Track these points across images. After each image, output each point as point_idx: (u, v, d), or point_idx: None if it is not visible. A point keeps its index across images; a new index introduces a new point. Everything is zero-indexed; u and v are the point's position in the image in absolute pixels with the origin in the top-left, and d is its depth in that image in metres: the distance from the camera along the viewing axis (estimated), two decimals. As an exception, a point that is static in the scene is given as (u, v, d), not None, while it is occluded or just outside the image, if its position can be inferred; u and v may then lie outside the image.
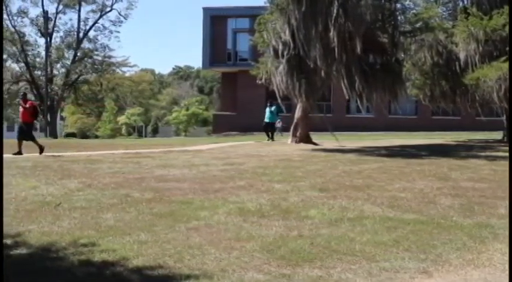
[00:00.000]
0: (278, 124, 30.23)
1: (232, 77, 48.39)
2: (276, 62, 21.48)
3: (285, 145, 22.67)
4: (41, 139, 40.37)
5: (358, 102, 21.59)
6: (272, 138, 27.16)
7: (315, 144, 22.66)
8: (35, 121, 19.19)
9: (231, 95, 49.05)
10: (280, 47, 20.98)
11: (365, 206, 8.67)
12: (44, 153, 17.22)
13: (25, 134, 17.78)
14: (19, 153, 17.14)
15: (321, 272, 5.42)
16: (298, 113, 23.34)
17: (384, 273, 5.43)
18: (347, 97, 21.55)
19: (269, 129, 27.85)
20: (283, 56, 20.83)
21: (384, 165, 14.20)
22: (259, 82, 23.88)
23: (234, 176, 11.93)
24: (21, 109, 18.39)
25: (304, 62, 20.25)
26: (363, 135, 33.64)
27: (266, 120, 28.13)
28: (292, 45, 20.29)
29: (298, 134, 23.35)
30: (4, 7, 54.23)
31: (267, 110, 28.26)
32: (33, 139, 17.81)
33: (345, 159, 15.81)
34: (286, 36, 20.54)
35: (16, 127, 62.63)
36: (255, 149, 20.18)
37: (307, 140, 23.15)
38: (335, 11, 19.15)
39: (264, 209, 8.37)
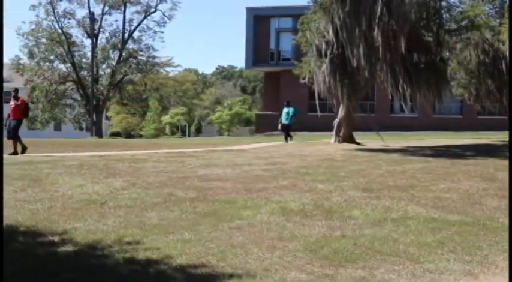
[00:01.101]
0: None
1: (275, 76, 48.38)
2: (319, 61, 21.40)
3: (328, 145, 22.58)
4: (87, 138, 41.05)
5: (402, 102, 21.32)
6: (286, 140, 25.93)
7: (358, 144, 22.52)
8: (25, 119, 18.34)
9: (274, 94, 49.02)
10: (323, 47, 20.90)
11: (409, 206, 8.58)
12: (25, 154, 16.72)
13: (12, 130, 17.11)
14: (15, 153, 16.78)
15: (364, 273, 5.39)
16: (341, 113, 23.22)
17: (428, 275, 5.37)
18: (390, 97, 21.34)
19: (285, 131, 26.50)
20: (326, 55, 20.75)
21: (428, 165, 14.03)
22: (302, 82, 23.83)
23: (277, 176, 11.93)
24: (12, 106, 17.50)
25: (347, 62, 20.12)
26: (407, 135, 33.30)
27: (283, 122, 26.64)
28: (335, 44, 20.21)
29: (341, 133, 23.23)
30: (52, 9, 55.26)
31: (284, 111, 26.93)
32: (18, 137, 17.27)
33: (389, 159, 15.67)
34: (329, 35, 20.45)
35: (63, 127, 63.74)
36: (297, 149, 20.15)
37: (350, 139, 23.02)
38: (379, 9, 18.99)
39: (306, 209, 8.35)
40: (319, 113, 22.58)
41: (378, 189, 10.19)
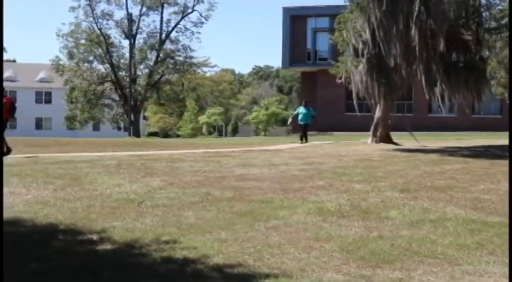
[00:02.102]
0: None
1: (312, 76, 48.30)
2: (356, 61, 21.29)
3: (365, 145, 22.45)
4: (125, 138, 41.49)
5: (439, 101, 21.07)
6: (301, 140, 25.12)
7: (395, 144, 22.34)
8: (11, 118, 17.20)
9: (311, 94, 48.85)
10: (360, 46, 20.78)
11: (447, 207, 8.48)
12: (9, 155, 15.93)
13: None
14: (8, 151, 15.95)
15: (401, 274, 5.34)
16: (378, 113, 23.06)
17: (467, 277, 5.30)
18: (428, 97, 21.11)
19: (303, 132, 25.62)
20: (363, 55, 20.63)
21: (467, 166, 13.85)
22: (339, 81, 23.74)
23: (314, 176, 11.91)
24: None
25: (384, 61, 19.97)
26: (446, 135, 32.90)
27: (300, 122, 25.65)
28: (372, 44, 20.07)
29: (378, 133, 23.07)
30: (91, 10, 55.98)
31: (301, 110, 25.87)
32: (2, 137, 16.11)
33: (427, 160, 15.51)
34: (366, 35, 20.33)
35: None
36: (334, 149, 20.08)
37: (387, 140, 22.85)
38: (416, 8, 18.80)
39: (343, 209, 8.32)
40: (358, 113, 22.47)
41: (416, 189, 10.09)
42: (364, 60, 20.54)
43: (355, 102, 21.92)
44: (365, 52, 20.41)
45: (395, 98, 23.09)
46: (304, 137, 25.29)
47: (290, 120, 27.75)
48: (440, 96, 20.57)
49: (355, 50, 21.03)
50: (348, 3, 22.01)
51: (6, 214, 7.85)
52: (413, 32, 18.90)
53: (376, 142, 22.74)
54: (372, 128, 23.52)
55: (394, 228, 7.16)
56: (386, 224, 7.40)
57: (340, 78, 23.22)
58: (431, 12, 18.87)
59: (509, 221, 7.19)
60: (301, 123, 25.59)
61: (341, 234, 6.80)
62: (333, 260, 5.76)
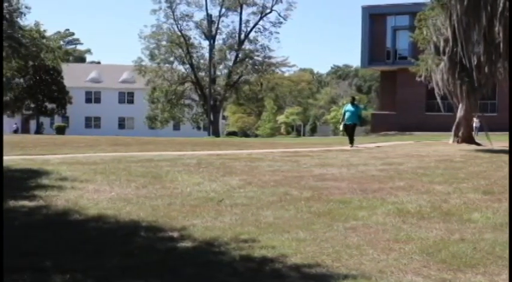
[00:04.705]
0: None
1: (392, 75, 47.67)
2: (437, 59, 20.90)
3: (447, 145, 21.96)
4: (204, 138, 42.11)
5: (525, 101, 20.37)
6: (351, 143, 21.84)
7: (477, 144, 21.75)
8: None
9: (390, 94, 48.33)
10: (442, 44, 20.40)
11: (533, 210, 8.20)
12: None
13: None
14: None
15: (484, 279, 5.21)
16: (460, 113, 22.52)
17: (554, 283, 5.12)
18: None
19: (349, 132, 22.44)
20: (444, 52, 20.24)
21: (554, 168, 13.33)
22: (419, 80, 23.35)
23: (393, 176, 11.75)
24: None
25: (466, 59, 19.50)
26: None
27: (346, 122, 22.47)
28: (453, 41, 19.65)
29: (460, 133, 22.53)
30: (171, 12, 57.03)
31: (348, 108, 22.65)
32: None
33: None
34: (448, 32, 19.93)
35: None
36: (414, 149, 19.74)
37: (469, 140, 22.28)
38: (501, 4, 18.26)
39: (423, 211, 8.18)
40: (439, 112, 22.01)
41: (500, 191, 9.80)
42: (445, 58, 20.14)
43: (439, 100, 21.51)
44: (446, 50, 20.01)
45: (478, 97, 22.48)
46: (351, 139, 22.00)
47: (341, 124, 23.59)
48: (526, 95, 19.90)
49: (436, 47, 20.65)
50: (428, 1, 21.62)
51: (92, 210, 8.13)
52: (497, 28, 18.37)
53: (457, 142, 22.21)
54: (453, 127, 22.99)
55: (477, 231, 6.98)
56: (468, 226, 7.23)
57: (421, 76, 22.84)
58: (517, 8, 18.29)
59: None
60: (348, 123, 22.43)
61: (421, 236, 6.69)
62: (412, 262, 5.68)
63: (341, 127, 23.96)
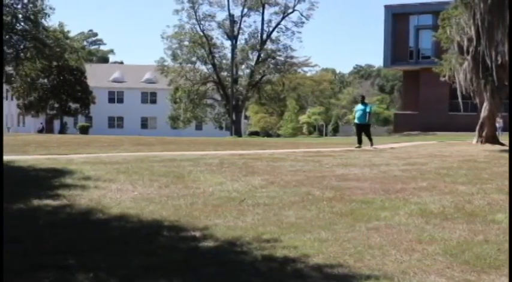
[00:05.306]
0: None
1: (414, 75, 47.40)
2: (460, 58, 20.74)
3: (470, 145, 21.79)
4: (226, 137, 42.19)
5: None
6: (359, 144, 21.18)
7: (501, 144, 21.54)
8: None
9: (413, 93, 48.06)
10: (465, 43, 20.24)
11: (559, 211, 8.10)
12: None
13: None
14: None
15: (508, 281, 5.16)
16: (484, 112, 22.33)
17: None
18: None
19: (358, 132, 21.98)
20: (468, 52, 20.08)
21: None
22: (442, 79, 23.18)
23: (416, 177, 11.68)
24: None
25: (490, 58, 19.32)
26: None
27: (356, 121, 22.32)
28: (477, 40, 19.48)
29: (483, 133, 22.34)
30: (193, 12, 57.20)
31: (358, 107, 22.30)
32: None
33: (537, 161, 14.86)
34: (471, 31, 19.76)
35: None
36: (437, 149, 19.61)
37: (493, 140, 22.08)
38: (526, 3, 18.07)
39: (447, 211, 8.12)
40: (462, 112, 21.84)
41: (524, 192, 9.70)
42: (469, 57, 19.98)
43: (460, 101, 21.34)
44: (470, 49, 19.85)
45: (503, 96, 22.26)
46: (359, 140, 21.48)
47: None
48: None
49: (460, 47, 20.49)
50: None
51: (115, 210, 8.18)
52: (521, 27, 18.16)
53: (481, 142, 22.02)
54: (477, 127, 22.79)
55: (501, 232, 6.91)
56: (492, 227, 7.16)
57: (444, 76, 22.68)
58: (542, 6, 18.08)
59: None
60: (357, 122, 22.13)
61: (444, 237, 6.64)
62: (435, 263, 5.64)
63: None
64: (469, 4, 19.63)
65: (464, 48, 20.32)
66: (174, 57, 59.06)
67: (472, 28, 19.61)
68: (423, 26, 46.36)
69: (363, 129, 21.85)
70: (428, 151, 18.74)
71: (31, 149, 19.08)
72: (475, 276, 5.27)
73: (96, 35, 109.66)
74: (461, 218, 7.72)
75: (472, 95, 21.84)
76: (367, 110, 22.09)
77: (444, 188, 10.19)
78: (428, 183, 10.75)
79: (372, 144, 21.17)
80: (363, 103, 22.26)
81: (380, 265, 5.56)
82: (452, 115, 42.60)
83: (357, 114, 22.01)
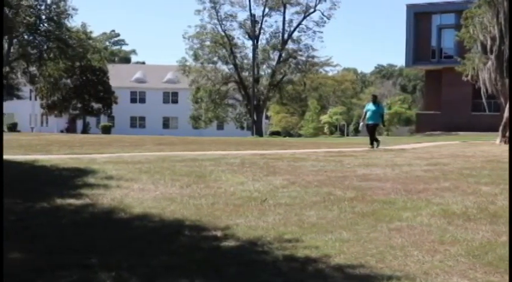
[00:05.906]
0: None
1: (437, 75, 47.05)
2: (484, 57, 20.58)
3: (493, 145, 21.58)
4: (248, 137, 42.22)
5: None
6: (372, 144, 21.00)
7: (526, 144, 21.32)
8: None
9: (435, 93, 47.70)
10: (489, 42, 20.09)
11: None
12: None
13: None
14: None
15: (532, 281, 5.11)
16: (507, 112, 22.11)
17: None
18: None
19: (369, 132, 21.69)
20: (491, 51, 19.92)
21: None
22: (465, 79, 23.01)
23: (438, 177, 11.60)
24: None
25: (514, 58, 19.15)
26: None
27: (367, 121, 21.72)
28: (501, 39, 19.31)
29: (507, 134, 22.11)
30: (215, 13, 57.32)
31: (369, 107, 21.84)
32: None
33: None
34: (495, 30, 19.60)
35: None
36: (460, 149, 19.46)
37: (517, 140, 21.85)
38: (550, 2, 17.89)
39: (469, 212, 8.05)
40: (486, 112, 21.65)
41: (549, 193, 9.59)
42: (492, 56, 19.82)
43: (484, 100, 21.16)
44: (494, 48, 19.70)
45: (526, 96, 22.04)
46: (372, 140, 21.20)
47: (362, 123, 22.94)
48: None
49: (483, 46, 20.34)
50: (475, -2, 21.31)
51: (137, 209, 8.23)
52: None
53: (505, 142, 21.80)
54: (500, 127, 22.57)
55: (525, 233, 6.85)
56: (516, 228, 7.09)
57: (467, 76, 22.53)
58: None
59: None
60: (369, 122, 21.62)
61: (467, 238, 6.59)
62: (458, 264, 5.60)
63: (360, 126, 23.25)
64: (492, 3, 19.49)
65: (488, 47, 20.17)
66: (196, 57, 59.19)
67: (496, 27, 19.47)
68: (446, 25, 46.00)
69: (373, 129, 21.59)
70: (451, 151, 18.60)
71: (54, 148, 19.24)
72: (498, 277, 5.23)
73: (118, 35, 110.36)
74: (484, 218, 7.65)
75: (495, 94, 21.63)
76: (381, 111, 21.89)
77: (467, 189, 10.11)
78: (450, 184, 10.67)
79: (378, 145, 20.97)
80: (375, 103, 21.90)
81: (402, 266, 5.54)
82: (475, 115, 42.25)
83: (368, 114, 21.66)
